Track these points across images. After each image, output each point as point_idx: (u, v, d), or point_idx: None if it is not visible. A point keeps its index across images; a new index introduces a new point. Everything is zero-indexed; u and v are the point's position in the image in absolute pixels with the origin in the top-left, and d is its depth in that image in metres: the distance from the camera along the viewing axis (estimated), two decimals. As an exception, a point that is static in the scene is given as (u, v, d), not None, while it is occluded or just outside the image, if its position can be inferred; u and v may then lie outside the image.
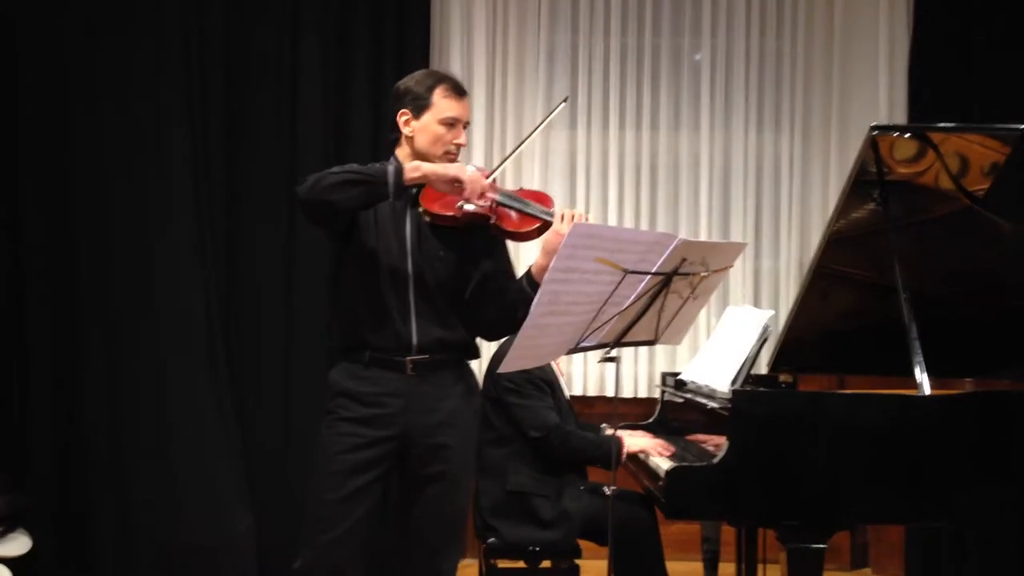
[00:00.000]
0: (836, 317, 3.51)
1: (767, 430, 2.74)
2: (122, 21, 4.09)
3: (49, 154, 4.03)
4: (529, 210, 2.69)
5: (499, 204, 2.69)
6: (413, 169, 2.57)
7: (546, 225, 2.68)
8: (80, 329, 3.92)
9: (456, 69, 4.77)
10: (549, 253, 2.62)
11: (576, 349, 2.56)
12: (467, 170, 2.60)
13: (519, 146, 3.18)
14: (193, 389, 3.96)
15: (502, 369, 2.44)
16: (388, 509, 2.82)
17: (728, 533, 3.79)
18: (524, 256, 4.14)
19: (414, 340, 2.68)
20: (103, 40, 4.06)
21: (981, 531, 4.42)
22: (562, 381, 3.64)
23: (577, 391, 4.85)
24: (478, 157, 4.76)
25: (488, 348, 4.36)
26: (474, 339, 2.84)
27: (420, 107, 2.71)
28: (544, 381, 3.49)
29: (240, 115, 4.34)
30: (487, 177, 2.69)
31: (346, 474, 2.66)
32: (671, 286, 2.50)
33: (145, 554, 3.83)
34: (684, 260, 2.45)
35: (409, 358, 2.68)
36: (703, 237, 4.83)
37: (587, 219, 2.65)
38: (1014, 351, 3.59)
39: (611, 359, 2.60)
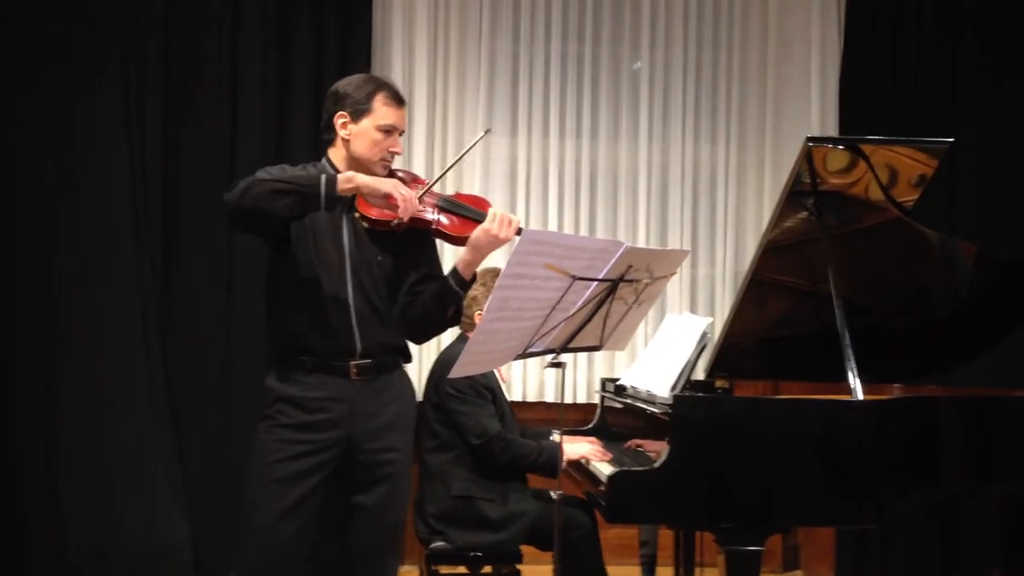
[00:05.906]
0: (771, 324, 3.60)
1: (707, 434, 2.79)
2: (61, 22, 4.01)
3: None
4: (470, 215, 2.71)
5: (441, 209, 2.71)
6: (346, 180, 2.54)
7: None
8: (14, 330, 3.83)
9: (397, 76, 4.76)
10: (476, 249, 2.65)
11: (524, 355, 2.59)
12: (401, 188, 2.58)
13: (443, 173, 3.15)
14: (131, 393, 3.90)
15: (452, 374, 2.45)
16: (329, 518, 2.78)
17: (665, 537, 3.85)
18: (449, 258, 4.10)
19: (358, 345, 2.67)
20: (42, 45, 3.98)
21: (908, 533, 4.55)
22: (504, 387, 3.67)
23: (517, 396, 4.88)
24: (419, 162, 4.77)
25: (421, 352, 4.40)
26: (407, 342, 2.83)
27: (359, 112, 2.69)
28: (486, 387, 3.51)
29: (179, 116, 4.29)
30: (423, 190, 2.69)
31: (288, 482, 2.62)
32: (617, 292, 2.55)
33: (80, 561, 3.76)
34: (630, 267, 2.50)
35: (353, 363, 2.67)
36: (642, 245, 4.90)
37: (518, 221, 2.66)
38: (940, 358, 3.72)
39: (558, 364, 2.63)
